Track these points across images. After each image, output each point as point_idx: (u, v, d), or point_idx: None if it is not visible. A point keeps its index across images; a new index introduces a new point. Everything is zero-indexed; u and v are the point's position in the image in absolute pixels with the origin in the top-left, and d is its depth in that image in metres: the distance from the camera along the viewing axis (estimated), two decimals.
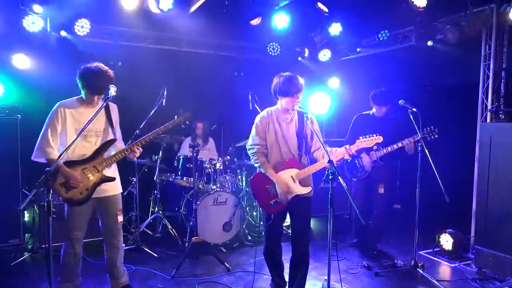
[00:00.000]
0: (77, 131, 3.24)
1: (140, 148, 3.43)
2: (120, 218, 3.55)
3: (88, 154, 3.31)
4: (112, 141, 3.42)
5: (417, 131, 4.29)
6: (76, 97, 3.39)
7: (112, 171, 3.48)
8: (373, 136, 3.34)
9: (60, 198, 3.31)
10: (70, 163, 3.23)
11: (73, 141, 3.00)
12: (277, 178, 3.43)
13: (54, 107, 3.30)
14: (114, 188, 3.50)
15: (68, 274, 3.43)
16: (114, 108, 3.55)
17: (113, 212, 3.49)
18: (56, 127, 3.24)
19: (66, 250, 3.40)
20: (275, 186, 3.46)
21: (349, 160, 3.51)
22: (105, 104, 3.21)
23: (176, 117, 3.78)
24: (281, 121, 3.52)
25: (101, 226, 3.54)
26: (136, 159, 3.58)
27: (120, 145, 3.53)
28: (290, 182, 3.43)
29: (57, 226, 4.60)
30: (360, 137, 3.36)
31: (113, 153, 3.42)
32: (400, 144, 4.64)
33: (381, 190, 4.95)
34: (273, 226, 3.58)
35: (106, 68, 3.32)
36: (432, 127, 4.42)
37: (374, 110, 5.01)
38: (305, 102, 6.86)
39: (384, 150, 4.73)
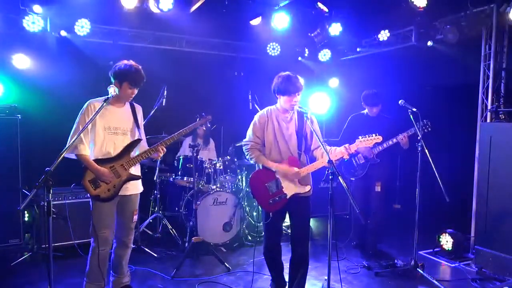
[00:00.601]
0: (106, 129, 3.36)
1: (164, 149, 3.52)
2: (135, 218, 3.63)
3: (116, 152, 3.39)
4: (139, 140, 3.51)
5: (416, 129, 4.30)
6: (104, 96, 3.41)
7: (136, 169, 3.55)
8: (372, 136, 3.33)
9: (88, 195, 3.36)
10: (99, 161, 3.31)
11: (73, 141, 3.00)
12: (276, 166, 3.44)
13: (85, 105, 3.36)
14: (136, 187, 3.59)
15: (94, 274, 3.41)
16: (139, 109, 3.64)
17: (130, 211, 3.56)
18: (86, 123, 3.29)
19: (94, 249, 3.39)
20: (274, 184, 3.46)
21: (346, 159, 3.51)
22: (104, 104, 3.21)
23: (197, 119, 3.92)
24: (280, 120, 3.52)
25: (116, 223, 3.56)
26: (160, 159, 3.66)
27: (144, 145, 3.63)
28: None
29: (57, 226, 4.67)
30: (360, 137, 3.37)
31: (137, 153, 3.50)
32: (394, 140, 4.69)
33: (378, 188, 4.97)
34: (272, 225, 3.58)
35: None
36: (425, 120, 4.44)
37: (373, 113, 5.05)
38: (305, 102, 6.86)
39: (380, 147, 4.75)
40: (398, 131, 4.72)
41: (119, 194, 3.42)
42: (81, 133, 3.11)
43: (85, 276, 3.45)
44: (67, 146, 3.07)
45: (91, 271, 3.42)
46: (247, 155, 3.58)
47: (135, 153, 3.50)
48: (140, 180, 3.61)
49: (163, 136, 5.36)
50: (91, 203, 3.40)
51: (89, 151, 3.32)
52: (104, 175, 3.29)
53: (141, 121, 3.64)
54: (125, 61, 3.42)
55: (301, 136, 3.52)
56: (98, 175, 3.28)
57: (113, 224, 3.50)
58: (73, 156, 3.30)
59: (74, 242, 4.77)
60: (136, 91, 3.45)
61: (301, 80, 3.50)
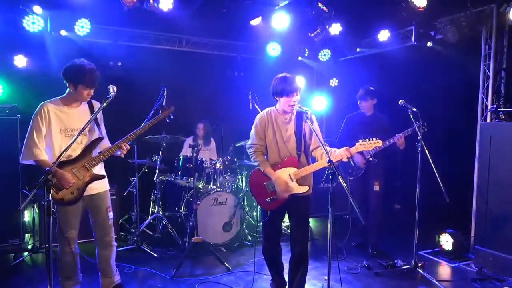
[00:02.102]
0: (62, 131, 3.26)
1: (128, 145, 3.40)
2: (111, 215, 3.55)
3: (76, 154, 3.30)
4: (99, 139, 3.42)
5: (413, 130, 4.30)
6: (59, 97, 3.37)
7: (99, 168, 3.46)
8: (372, 140, 3.33)
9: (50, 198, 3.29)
10: (60, 164, 3.17)
11: (73, 141, 3.00)
12: (276, 177, 3.43)
13: (38, 107, 3.27)
14: (103, 185, 3.50)
15: (68, 272, 3.44)
16: (97, 106, 3.49)
17: (103, 209, 3.49)
18: (41, 128, 3.22)
19: (62, 250, 3.39)
20: (273, 183, 3.47)
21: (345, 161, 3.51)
22: (105, 104, 3.20)
23: (160, 112, 3.74)
24: (279, 122, 3.53)
25: (92, 224, 3.53)
26: (123, 156, 3.53)
27: (106, 143, 3.52)
28: (288, 180, 3.44)
29: (57, 226, 4.66)
30: (360, 140, 3.36)
31: (98, 152, 3.41)
32: (391, 140, 4.70)
33: (377, 188, 4.98)
34: (271, 225, 3.59)
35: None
36: (420, 122, 4.44)
37: (361, 107, 5.12)
38: (306, 102, 6.87)
39: (377, 148, 4.74)
40: (393, 130, 4.74)
41: (86, 194, 3.35)
42: (29, 138, 3.07)
43: (59, 276, 3.43)
44: (21, 153, 3.07)
45: (65, 270, 3.42)
46: (251, 158, 3.59)
47: (96, 152, 3.41)
48: (106, 178, 3.51)
49: (163, 136, 5.38)
50: (56, 207, 3.31)
51: (46, 155, 3.21)
52: (64, 179, 3.17)
53: (100, 119, 3.52)
54: (77, 60, 3.29)
55: (300, 137, 3.52)
56: (59, 179, 3.16)
57: (78, 223, 3.43)
58: (31, 162, 3.21)
59: None
60: (92, 92, 3.33)
61: (299, 80, 3.49)
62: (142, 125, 3.49)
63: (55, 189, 3.18)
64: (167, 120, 3.72)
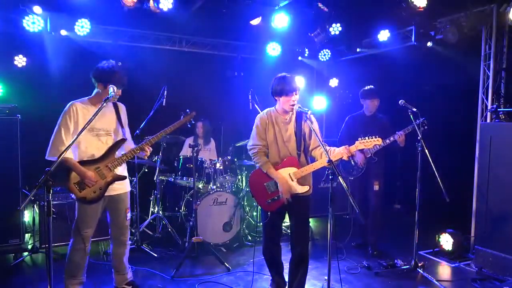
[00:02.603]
0: (89, 131, 3.34)
1: (150, 147, 3.50)
2: (129, 216, 3.65)
3: (100, 153, 3.38)
4: (123, 140, 3.50)
5: (413, 127, 4.31)
6: (88, 97, 3.44)
7: (122, 169, 3.54)
8: (372, 138, 3.33)
9: (73, 196, 3.35)
10: (84, 163, 3.30)
11: (72, 142, 3.01)
12: (278, 177, 3.43)
13: (67, 106, 3.35)
14: (124, 186, 3.59)
15: (75, 270, 3.47)
16: (122, 108, 3.63)
17: (122, 210, 3.58)
18: (69, 126, 3.29)
19: (74, 247, 3.42)
20: (273, 184, 3.47)
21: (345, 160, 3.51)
22: (104, 104, 3.21)
23: (182, 116, 3.86)
24: (279, 122, 3.52)
25: (109, 223, 3.60)
26: (147, 158, 3.66)
27: (129, 144, 3.62)
28: (288, 180, 3.44)
29: (57, 226, 4.67)
30: (360, 138, 3.36)
31: (122, 152, 3.48)
32: (392, 138, 4.72)
33: (376, 187, 4.98)
34: (271, 225, 3.59)
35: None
36: (421, 119, 4.46)
37: (364, 107, 5.12)
38: (306, 102, 6.87)
39: (377, 146, 4.75)
40: (393, 131, 4.76)
41: (107, 195, 3.42)
42: (56, 135, 3.13)
43: (64, 273, 3.48)
44: (48, 149, 3.10)
45: (72, 267, 3.46)
46: (253, 159, 3.58)
47: (119, 153, 3.48)
48: (127, 179, 3.59)
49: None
50: (76, 204, 3.39)
51: (71, 153, 3.28)
52: (89, 177, 3.25)
53: (125, 120, 3.61)
54: (107, 61, 3.38)
55: (300, 137, 3.52)
56: (83, 177, 3.25)
57: (96, 223, 3.49)
58: (56, 159, 3.27)
59: None
60: (120, 92, 3.42)
61: (298, 80, 3.49)
62: (164, 129, 3.57)
63: (79, 187, 3.27)
64: (188, 125, 3.84)
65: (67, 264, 3.47)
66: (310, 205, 3.59)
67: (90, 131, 3.35)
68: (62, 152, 2.78)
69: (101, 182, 3.34)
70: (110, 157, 3.39)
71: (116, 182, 3.44)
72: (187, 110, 3.92)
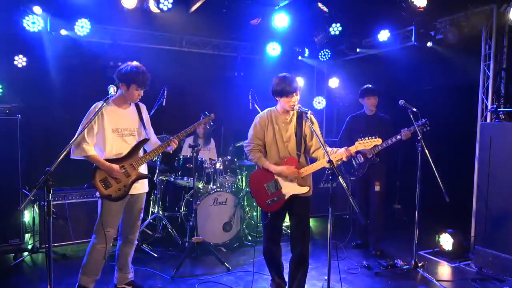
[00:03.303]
0: (114, 131, 3.41)
1: (177, 141, 3.63)
2: (141, 216, 3.72)
3: (125, 152, 3.45)
4: (146, 140, 3.58)
5: (416, 128, 4.31)
6: (108, 97, 3.44)
7: (143, 169, 3.61)
8: (372, 138, 3.33)
9: (97, 194, 3.39)
10: (109, 161, 3.37)
11: (73, 141, 3.02)
12: (276, 169, 3.43)
13: (92, 106, 3.39)
14: (144, 186, 3.67)
15: (93, 268, 3.50)
16: (144, 108, 3.70)
17: (137, 210, 3.65)
18: (93, 126, 3.34)
19: (95, 245, 3.45)
20: (273, 185, 3.47)
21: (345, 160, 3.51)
22: (104, 104, 3.22)
23: (201, 117, 4.00)
24: (280, 122, 3.52)
25: (122, 221, 3.63)
26: (171, 152, 3.75)
27: (155, 141, 3.70)
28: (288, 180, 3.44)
29: (57, 226, 4.67)
30: (359, 139, 3.36)
31: (144, 152, 3.58)
32: (398, 137, 4.72)
33: (377, 188, 4.99)
34: (271, 225, 3.59)
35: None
36: (423, 119, 4.47)
37: (364, 107, 5.13)
38: (306, 102, 6.87)
39: (379, 146, 4.75)
40: (395, 131, 4.76)
41: (129, 193, 3.49)
42: (80, 134, 3.14)
43: (81, 269, 3.51)
44: (69, 147, 3.08)
45: (89, 265, 3.48)
46: (248, 156, 3.59)
47: (142, 152, 3.57)
48: (147, 180, 3.68)
49: (163, 136, 5.37)
50: (100, 202, 3.44)
51: (95, 151, 3.36)
52: (116, 171, 3.34)
53: (147, 120, 3.69)
54: (130, 63, 3.45)
55: (300, 137, 3.52)
56: (110, 171, 3.33)
57: (118, 223, 3.57)
58: (81, 158, 3.34)
59: (74, 242, 4.78)
60: (142, 93, 3.50)
61: (298, 80, 3.49)
62: (185, 129, 3.71)
63: (104, 185, 3.35)
64: (207, 126, 3.86)
65: (86, 262, 3.49)
66: (310, 206, 3.59)
67: (115, 132, 3.43)
68: (63, 152, 2.78)
69: (126, 180, 3.42)
70: (134, 156, 3.47)
71: (138, 181, 3.52)
72: (206, 112, 4.06)
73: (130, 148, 3.48)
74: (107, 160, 3.38)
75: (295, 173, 3.41)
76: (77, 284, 3.51)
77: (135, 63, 3.47)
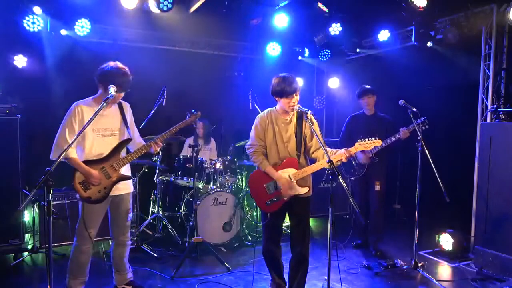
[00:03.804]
0: (94, 131, 3.34)
1: (160, 143, 3.52)
2: (130, 216, 3.66)
3: (105, 153, 3.39)
4: (128, 140, 3.51)
5: (415, 126, 4.32)
6: (92, 97, 3.44)
7: (126, 170, 3.55)
8: (371, 139, 3.33)
9: (78, 196, 3.35)
10: (89, 162, 3.30)
11: (73, 142, 3.01)
12: (277, 176, 3.43)
13: (71, 107, 3.34)
14: (127, 187, 3.61)
15: (78, 269, 3.48)
16: (127, 107, 3.63)
17: (124, 210, 3.60)
18: (74, 127, 3.29)
19: (78, 247, 3.44)
20: (273, 185, 3.46)
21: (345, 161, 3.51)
22: (104, 104, 3.21)
23: (187, 116, 3.86)
24: (280, 123, 3.52)
25: (110, 223, 3.62)
26: (155, 153, 3.66)
27: (139, 141, 3.64)
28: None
29: (58, 226, 4.67)
30: (359, 140, 3.36)
31: (127, 152, 3.51)
32: (393, 139, 4.73)
33: (377, 187, 4.98)
34: (271, 226, 3.59)
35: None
36: (422, 118, 4.47)
37: (363, 107, 5.12)
38: (306, 102, 6.86)
39: (379, 146, 4.75)
40: (395, 130, 4.77)
41: (111, 195, 3.43)
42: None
43: (67, 272, 3.50)
44: (52, 150, 3.08)
45: (74, 267, 3.47)
46: (251, 158, 3.57)
47: (124, 153, 3.51)
48: (131, 180, 3.61)
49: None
50: (80, 204, 3.41)
51: (76, 153, 3.30)
52: (94, 176, 3.27)
53: (130, 120, 3.62)
54: (111, 63, 3.36)
55: (300, 138, 3.51)
56: (88, 177, 3.26)
57: (99, 223, 3.51)
58: (62, 159, 3.26)
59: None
60: (123, 94, 3.42)
61: (298, 80, 3.49)
62: (170, 129, 3.56)
63: (83, 187, 3.28)
64: (194, 125, 3.78)
65: (70, 264, 3.48)
66: (310, 206, 3.58)
67: (95, 131, 3.36)
68: (63, 152, 2.78)
69: (106, 181, 3.36)
70: (115, 157, 3.41)
71: (120, 182, 3.46)
72: (193, 110, 3.92)
73: (111, 149, 3.40)
74: (88, 160, 3.31)
75: (288, 190, 3.41)
76: (66, 287, 3.50)
77: (116, 63, 3.36)
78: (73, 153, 3.27)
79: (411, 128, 4.59)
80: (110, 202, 3.51)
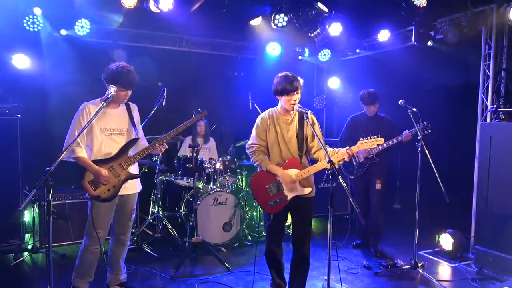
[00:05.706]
0: (102, 131, 3.38)
1: (165, 144, 3.56)
2: (133, 216, 3.68)
3: (114, 152, 3.42)
4: (136, 140, 3.54)
5: (416, 129, 4.31)
6: (100, 98, 3.45)
7: (134, 169, 3.58)
8: (374, 138, 3.32)
9: (87, 195, 3.38)
10: (98, 162, 3.34)
11: (75, 140, 3.02)
12: (280, 171, 3.43)
13: (80, 107, 3.37)
14: (135, 187, 3.64)
15: (86, 270, 3.48)
16: (134, 108, 3.67)
17: (129, 210, 3.62)
18: (82, 127, 3.28)
19: (87, 247, 3.44)
20: (275, 186, 3.46)
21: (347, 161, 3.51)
22: (104, 104, 3.23)
23: (193, 115, 3.89)
24: (281, 123, 3.52)
25: (113, 221, 3.61)
26: (160, 154, 3.73)
27: (143, 143, 3.66)
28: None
29: (58, 226, 4.67)
30: (361, 138, 3.36)
31: (135, 152, 3.53)
32: (395, 140, 4.72)
33: (379, 186, 4.98)
34: (274, 226, 3.57)
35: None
36: (425, 122, 4.47)
37: (365, 110, 5.12)
38: (306, 102, 6.86)
39: (380, 147, 4.75)
40: (396, 131, 4.76)
41: (119, 194, 3.46)
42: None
43: (74, 271, 3.50)
44: (64, 149, 3.07)
45: (82, 267, 3.47)
46: (251, 158, 3.57)
47: (132, 152, 3.53)
48: (138, 179, 3.64)
49: (164, 136, 5.37)
50: (90, 203, 3.43)
51: (85, 153, 3.34)
52: (103, 175, 3.30)
53: (137, 120, 3.66)
54: (117, 63, 3.41)
55: (301, 138, 3.51)
56: (97, 176, 3.29)
57: (109, 223, 3.54)
58: (70, 159, 3.30)
59: (74, 242, 4.79)
60: (129, 93, 3.46)
61: (299, 79, 3.48)
62: (176, 128, 3.60)
63: (93, 186, 3.31)
64: (203, 127, 3.74)
65: (78, 264, 3.48)
66: (312, 207, 3.57)
67: (103, 131, 3.40)
68: (63, 152, 2.77)
69: (115, 180, 3.39)
70: (123, 156, 3.44)
71: (128, 181, 3.49)
72: (199, 109, 3.98)
73: (120, 148, 3.44)
74: (96, 160, 3.34)
75: (291, 182, 3.40)
76: (71, 286, 3.50)
77: (121, 63, 3.41)
78: (82, 152, 3.30)
79: (414, 131, 4.58)
80: (118, 201, 3.52)
